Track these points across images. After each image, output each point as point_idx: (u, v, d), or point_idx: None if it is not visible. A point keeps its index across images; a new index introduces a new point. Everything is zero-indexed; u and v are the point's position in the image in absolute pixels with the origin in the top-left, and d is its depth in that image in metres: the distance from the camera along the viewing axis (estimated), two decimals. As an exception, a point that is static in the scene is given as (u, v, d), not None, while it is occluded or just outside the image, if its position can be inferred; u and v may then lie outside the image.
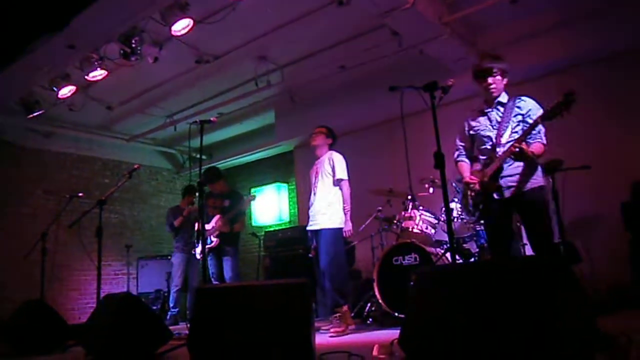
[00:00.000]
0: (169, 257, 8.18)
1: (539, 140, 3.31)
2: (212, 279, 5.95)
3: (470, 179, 3.58)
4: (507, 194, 3.40)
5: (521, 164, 3.36)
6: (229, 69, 6.54)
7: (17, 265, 6.50)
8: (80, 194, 5.96)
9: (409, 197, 5.33)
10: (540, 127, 3.25)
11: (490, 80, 3.47)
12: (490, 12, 5.57)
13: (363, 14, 5.16)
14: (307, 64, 6.52)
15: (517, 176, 3.38)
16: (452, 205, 4.95)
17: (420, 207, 5.27)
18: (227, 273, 5.99)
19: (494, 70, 3.45)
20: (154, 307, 7.55)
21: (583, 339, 1.80)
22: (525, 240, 4.36)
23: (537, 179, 3.40)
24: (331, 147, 5.12)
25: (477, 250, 5.03)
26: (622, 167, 5.32)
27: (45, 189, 7.99)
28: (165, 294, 7.82)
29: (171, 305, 6.86)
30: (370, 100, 7.02)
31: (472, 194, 3.60)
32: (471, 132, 3.67)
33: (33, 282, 5.64)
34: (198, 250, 6.18)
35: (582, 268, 5.11)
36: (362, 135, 7.62)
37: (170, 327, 4.09)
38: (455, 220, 5.07)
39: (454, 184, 4.61)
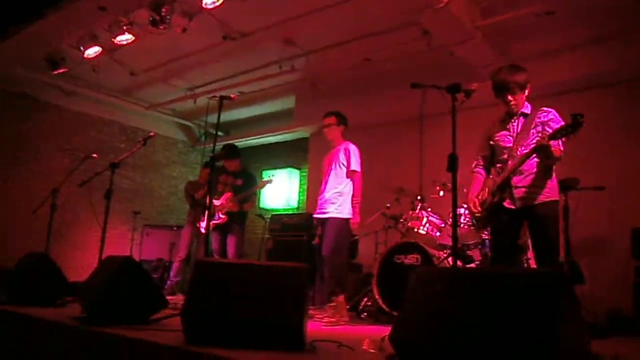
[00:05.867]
0: (175, 228, 8.24)
1: (556, 146, 3.25)
2: (214, 255, 5.98)
3: (474, 207, 3.59)
4: (519, 204, 3.38)
5: (533, 174, 3.34)
6: (255, 49, 6.54)
7: (25, 218, 6.58)
8: (95, 155, 6.01)
9: (419, 197, 5.30)
10: None
11: (509, 97, 3.45)
12: (524, 22, 5.49)
13: (395, 7, 5.13)
14: (333, 52, 6.49)
15: (532, 188, 3.35)
16: (461, 210, 4.92)
17: (429, 209, 5.24)
18: (230, 250, 6.02)
19: (512, 87, 3.41)
20: (154, 276, 7.60)
21: (574, 358, 1.79)
22: (529, 255, 4.33)
23: (552, 193, 3.37)
24: (345, 133, 5.10)
25: (480, 258, 5.00)
26: (637, 192, 5.25)
27: (60, 146, 8.07)
28: (167, 264, 7.87)
29: (172, 274, 6.88)
30: (392, 96, 6.98)
31: (478, 214, 3.61)
32: (491, 142, 3.64)
33: (39, 236, 5.72)
34: (203, 224, 6.21)
35: (582, 289, 5.07)
36: (380, 130, 7.58)
37: (168, 297, 4.12)
38: (462, 226, 5.04)
39: (465, 190, 4.58)
